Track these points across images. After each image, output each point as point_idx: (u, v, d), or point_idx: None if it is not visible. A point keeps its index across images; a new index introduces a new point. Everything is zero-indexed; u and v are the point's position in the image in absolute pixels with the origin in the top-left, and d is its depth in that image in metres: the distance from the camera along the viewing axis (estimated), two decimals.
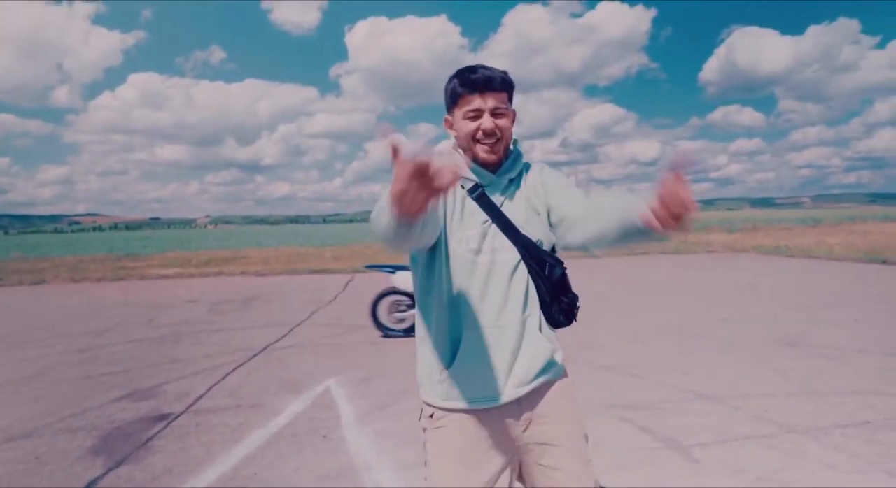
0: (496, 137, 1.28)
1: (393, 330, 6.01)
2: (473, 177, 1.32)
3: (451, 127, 1.36)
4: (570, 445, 1.34)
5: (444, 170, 0.79)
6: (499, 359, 1.27)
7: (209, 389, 4.22)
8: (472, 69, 1.29)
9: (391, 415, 3.56)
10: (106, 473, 2.81)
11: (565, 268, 1.36)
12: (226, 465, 2.87)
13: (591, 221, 1.23)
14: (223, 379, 4.50)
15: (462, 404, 1.28)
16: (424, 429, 1.36)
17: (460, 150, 1.37)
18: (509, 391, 1.27)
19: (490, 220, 1.30)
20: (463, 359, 1.28)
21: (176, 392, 4.17)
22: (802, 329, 5.85)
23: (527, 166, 1.42)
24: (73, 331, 6.77)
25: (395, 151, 0.81)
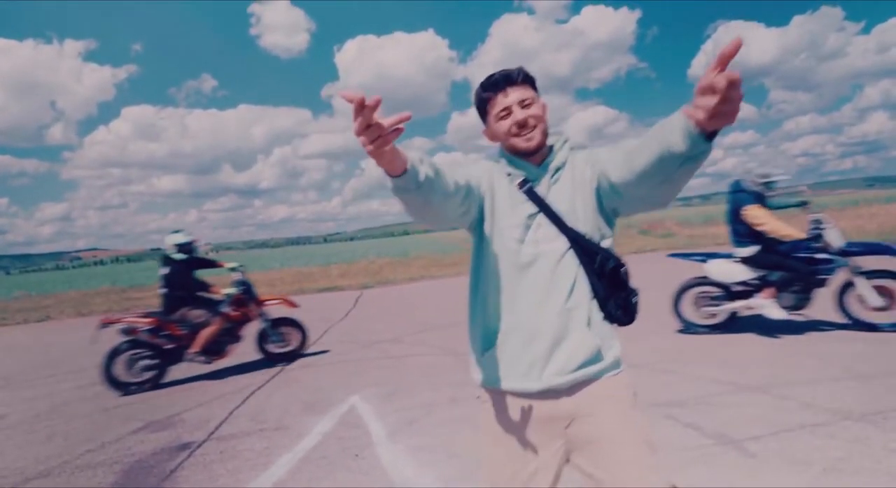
0: (531, 125, 1.30)
1: (699, 325, 5.35)
2: (520, 172, 1.35)
3: (490, 137, 1.40)
4: (618, 446, 1.27)
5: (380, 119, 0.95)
6: (538, 346, 1.28)
7: (230, 414, 4.06)
8: (489, 76, 1.33)
9: (423, 429, 3.40)
10: None
11: (621, 263, 1.32)
12: None
13: (631, 161, 1.15)
14: (243, 403, 4.35)
15: (498, 385, 1.34)
16: (478, 397, 1.44)
17: (503, 160, 1.38)
18: (547, 378, 1.28)
19: (537, 212, 1.32)
20: (502, 343, 1.32)
21: (196, 419, 4.02)
22: (834, 314, 5.68)
23: (577, 152, 1.39)
24: (83, 365, 6.61)
25: (355, 101, 0.92)
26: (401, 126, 0.97)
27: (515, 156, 1.34)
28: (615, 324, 1.37)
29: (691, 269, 5.47)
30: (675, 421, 3.16)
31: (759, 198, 4.78)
